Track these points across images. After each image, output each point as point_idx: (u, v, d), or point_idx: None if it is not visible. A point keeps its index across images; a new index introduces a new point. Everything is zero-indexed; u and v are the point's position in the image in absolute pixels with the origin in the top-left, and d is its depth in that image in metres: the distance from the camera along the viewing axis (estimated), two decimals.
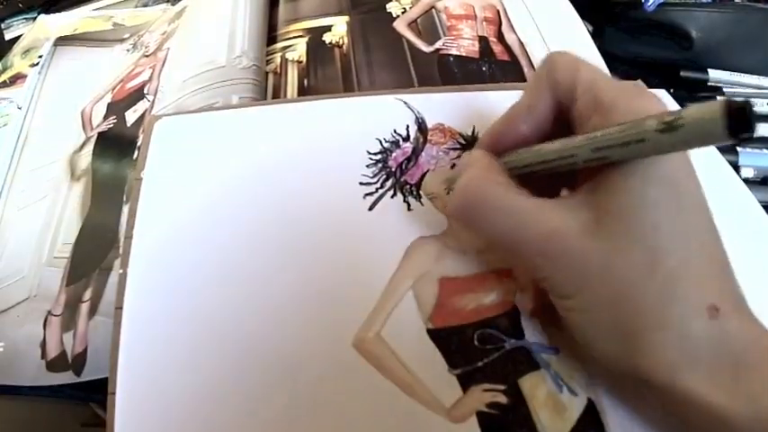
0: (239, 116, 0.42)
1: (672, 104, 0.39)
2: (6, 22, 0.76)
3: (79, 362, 0.38)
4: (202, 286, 0.34)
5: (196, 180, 0.39)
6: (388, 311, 0.32)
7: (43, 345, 0.40)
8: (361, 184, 0.37)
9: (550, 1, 0.53)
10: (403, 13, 0.55)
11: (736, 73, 0.45)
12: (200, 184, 0.38)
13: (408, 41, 0.53)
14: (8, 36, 0.74)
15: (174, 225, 0.37)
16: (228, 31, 0.53)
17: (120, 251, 0.38)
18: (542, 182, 0.28)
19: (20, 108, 0.57)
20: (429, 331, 0.32)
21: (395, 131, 0.39)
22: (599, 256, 0.23)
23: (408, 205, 0.36)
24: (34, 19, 0.72)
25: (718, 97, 0.43)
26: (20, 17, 0.76)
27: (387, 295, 0.33)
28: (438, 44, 0.52)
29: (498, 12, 0.54)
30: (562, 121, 0.28)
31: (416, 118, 0.40)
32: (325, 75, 0.52)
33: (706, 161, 0.38)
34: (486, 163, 0.28)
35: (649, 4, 0.46)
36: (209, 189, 0.38)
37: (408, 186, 0.37)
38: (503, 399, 0.30)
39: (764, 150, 0.43)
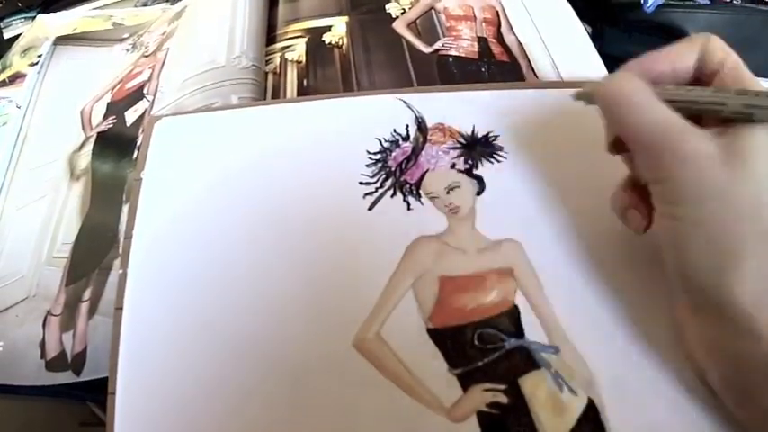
0: (238, 116, 0.43)
1: None
2: (5, 21, 0.76)
3: (79, 361, 0.38)
4: (202, 286, 0.34)
5: (196, 180, 0.39)
6: (388, 311, 0.32)
7: (42, 344, 0.40)
8: (360, 183, 0.37)
9: (549, 2, 0.53)
10: (402, 13, 0.55)
11: None
12: (200, 185, 0.38)
13: (408, 42, 0.53)
14: (7, 35, 0.74)
15: (174, 225, 0.37)
16: (228, 31, 0.53)
17: (120, 251, 0.38)
18: None
19: (19, 107, 0.57)
20: (429, 331, 0.32)
21: (394, 131, 0.39)
22: (722, 180, 0.25)
23: (408, 205, 0.36)
24: (33, 18, 0.72)
25: None
26: (19, 16, 0.76)
27: (387, 295, 0.33)
28: (437, 45, 0.52)
29: (497, 13, 0.54)
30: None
31: (416, 117, 0.40)
32: (325, 75, 0.52)
33: None
34: (637, 76, 0.29)
35: (648, 5, 0.46)
36: (209, 189, 0.38)
37: (408, 186, 0.37)
38: (503, 398, 0.30)
39: None
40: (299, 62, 0.53)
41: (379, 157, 0.38)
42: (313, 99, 0.43)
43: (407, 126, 0.40)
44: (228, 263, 0.35)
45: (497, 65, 0.50)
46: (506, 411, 0.29)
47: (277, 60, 0.54)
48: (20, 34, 0.70)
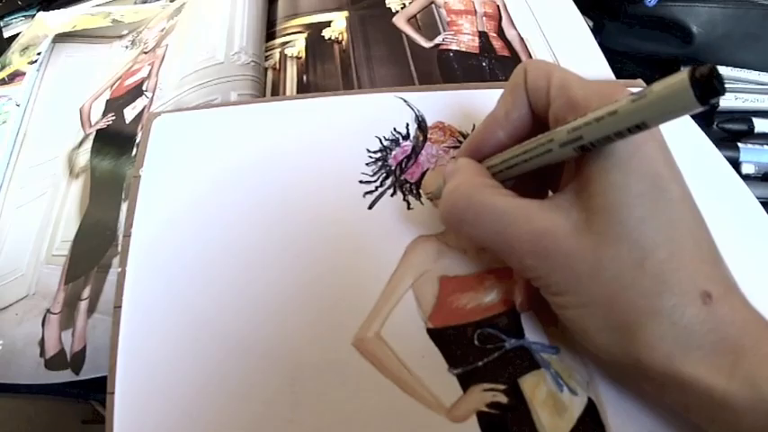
0: (238, 113, 0.42)
1: None
2: (5, 19, 0.75)
3: (78, 360, 0.38)
4: (201, 285, 0.34)
5: (195, 178, 0.38)
6: (387, 311, 0.32)
7: (42, 343, 0.40)
8: (360, 182, 0.37)
9: None
10: (402, 8, 0.55)
11: (736, 68, 0.45)
12: (199, 182, 0.38)
13: (408, 37, 0.52)
14: (7, 34, 0.73)
15: (173, 223, 0.37)
16: (227, 27, 0.53)
17: (119, 249, 0.38)
18: (527, 185, 0.28)
19: (18, 105, 0.57)
20: (429, 331, 0.32)
21: (395, 130, 0.39)
22: (590, 254, 0.23)
23: (408, 204, 0.36)
24: (33, 16, 0.72)
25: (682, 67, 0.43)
26: (19, 15, 0.76)
27: (386, 295, 0.33)
28: (438, 39, 0.51)
29: (498, 7, 0.53)
30: (539, 128, 0.27)
31: (416, 116, 0.40)
32: (325, 70, 0.51)
33: (705, 159, 0.38)
34: (473, 168, 0.28)
35: None
36: (208, 187, 0.38)
37: (408, 185, 0.37)
38: (503, 398, 0.29)
39: (765, 146, 0.42)
40: (298, 58, 0.53)
41: (379, 155, 0.38)
42: (313, 97, 0.43)
43: (407, 125, 0.39)
44: (227, 261, 0.35)
45: (498, 59, 0.49)
46: (506, 411, 0.29)
47: (277, 56, 0.54)
48: (20, 33, 0.70)
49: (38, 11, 0.72)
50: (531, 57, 0.49)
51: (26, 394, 0.40)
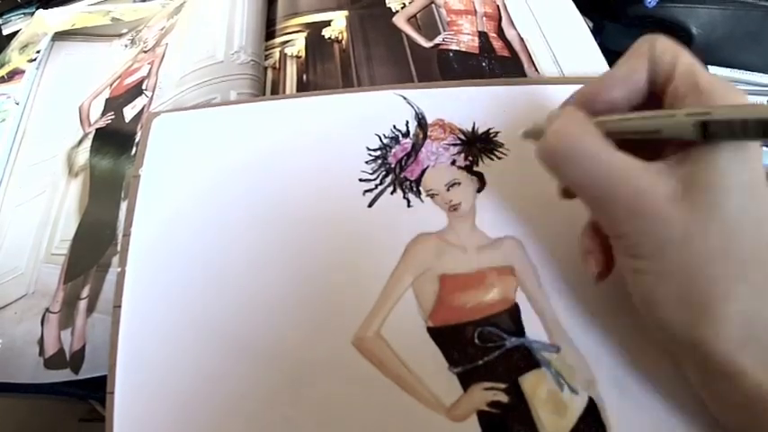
0: (237, 112, 0.42)
1: None
2: (4, 17, 0.75)
3: (77, 359, 0.38)
4: (201, 284, 0.34)
5: (194, 177, 0.38)
6: (387, 310, 0.32)
7: (41, 342, 0.40)
8: (360, 180, 0.37)
9: None
10: (402, 8, 0.55)
11: (736, 70, 0.45)
12: (199, 181, 0.38)
13: (408, 37, 0.52)
14: (6, 31, 0.73)
15: (173, 223, 0.37)
16: (227, 26, 0.53)
17: (119, 248, 0.38)
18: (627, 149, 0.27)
19: (17, 104, 0.57)
20: (429, 329, 0.32)
21: (394, 127, 0.39)
22: (682, 224, 0.24)
23: (408, 202, 0.36)
24: (32, 14, 0.72)
25: None
26: (18, 12, 0.76)
27: (386, 293, 0.33)
28: (438, 39, 0.51)
29: (498, 7, 0.53)
30: (650, 100, 0.28)
31: (416, 113, 0.40)
32: (325, 70, 0.51)
33: None
34: (582, 116, 0.27)
35: (650, 0, 0.46)
36: (208, 186, 0.38)
37: (408, 183, 0.37)
38: (503, 397, 0.30)
39: (765, 148, 0.42)
40: (298, 57, 0.53)
41: (378, 153, 0.38)
42: (312, 95, 0.43)
43: (407, 122, 0.39)
44: (227, 260, 0.35)
45: (498, 60, 0.49)
46: (507, 411, 0.29)
47: (276, 55, 0.54)
48: (19, 30, 0.70)
49: (37, 8, 0.72)
50: (530, 57, 0.49)
51: (23, 394, 0.40)
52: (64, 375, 0.38)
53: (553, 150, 0.27)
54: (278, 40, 0.55)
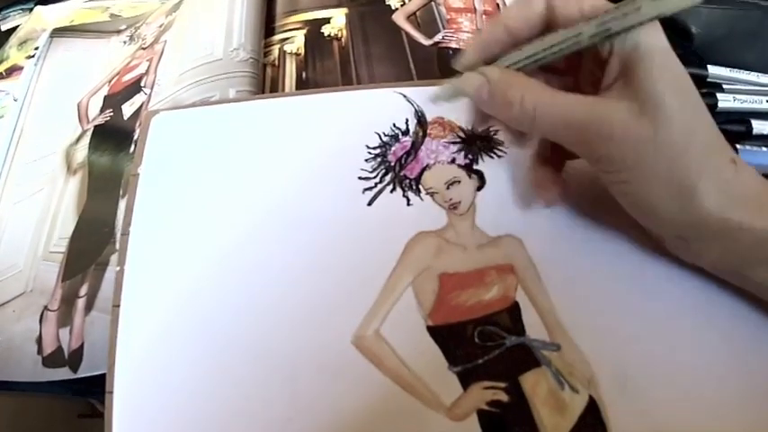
0: (236, 110, 0.42)
1: None
2: (2, 12, 0.75)
3: (76, 358, 0.38)
4: (200, 283, 0.34)
5: (193, 176, 0.38)
6: (387, 308, 0.32)
7: (39, 340, 0.40)
8: (360, 178, 0.37)
9: None
10: (402, 5, 0.55)
11: (735, 69, 0.45)
12: (197, 180, 0.38)
13: (407, 34, 0.52)
14: (4, 27, 0.73)
15: (171, 221, 0.37)
16: (225, 23, 0.53)
17: (117, 247, 0.38)
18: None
19: (16, 100, 0.56)
20: (429, 328, 0.32)
21: (394, 125, 0.39)
22: (647, 134, 0.27)
23: (408, 200, 0.36)
24: (30, 10, 0.72)
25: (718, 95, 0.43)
26: (16, 8, 0.76)
27: (386, 292, 0.33)
28: (437, 37, 0.51)
29: (498, 5, 0.53)
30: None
31: (416, 111, 0.39)
32: (324, 67, 0.51)
33: None
34: (523, 78, 0.30)
35: None
36: (207, 185, 0.38)
37: (408, 181, 0.37)
38: (503, 396, 0.29)
39: (764, 148, 0.42)
40: (297, 54, 0.53)
41: (378, 151, 0.38)
42: (311, 93, 0.43)
43: (407, 120, 0.39)
44: (226, 259, 0.35)
45: None
46: (507, 409, 0.29)
47: (276, 52, 0.54)
48: (17, 26, 0.70)
49: (35, 4, 0.72)
50: None
51: (21, 392, 0.40)
52: (62, 374, 0.38)
53: (524, 119, 0.30)
54: (277, 37, 0.55)
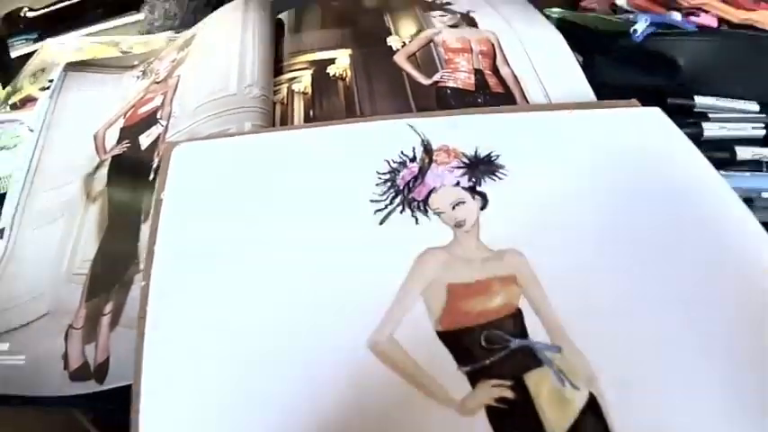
0: (255, 142, 0.45)
1: (666, 121, 0.42)
2: (8, 41, 0.77)
3: (102, 371, 0.40)
4: (223, 296, 0.36)
5: (215, 201, 0.41)
6: (399, 316, 0.34)
7: (65, 356, 0.41)
8: (371, 201, 0.40)
9: (543, 35, 0.57)
10: (403, 46, 0.58)
11: (722, 98, 0.47)
12: (219, 205, 0.41)
13: (408, 74, 0.55)
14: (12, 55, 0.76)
15: (193, 241, 0.39)
16: (238, 60, 0.55)
17: (141, 266, 0.39)
18: None
19: (32, 130, 0.59)
20: (439, 333, 0.34)
21: (402, 153, 0.42)
22: None
23: (416, 219, 0.39)
24: (34, 40, 0.74)
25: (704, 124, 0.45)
26: (20, 37, 0.78)
27: (398, 301, 0.35)
28: (436, 77, 0.55)
29: (493, 45, 0.57)
30: None
31: (422, 140, 0.42)
32: (330, 105, 0.54)
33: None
34: None
35: (638, 34, 0.50)
36: (228, 208, 0.40)
37: (416, 202, 0.39)
38: (509, 394, 0.32)
39: (746, 173, 0.44)
40: (305, 93, 0.56)
41: (388, 176, 0.41)
42: (326, 125, 0.46)
43: (414, 148, 0.42)
44: (248, 274, 0.37)
45: (493, 96, 0.52)
46: (513, 405, 0.31)
47: (284, 91, 0.56)
48: (23, 55, 0.73)
49: (39, 35, 0.74)
50: (523, 93, 0.52)
51: (48, 407, 0.41)
52: (89, 387, 0.39)
53: None
54: (285, 76, 0.58)
